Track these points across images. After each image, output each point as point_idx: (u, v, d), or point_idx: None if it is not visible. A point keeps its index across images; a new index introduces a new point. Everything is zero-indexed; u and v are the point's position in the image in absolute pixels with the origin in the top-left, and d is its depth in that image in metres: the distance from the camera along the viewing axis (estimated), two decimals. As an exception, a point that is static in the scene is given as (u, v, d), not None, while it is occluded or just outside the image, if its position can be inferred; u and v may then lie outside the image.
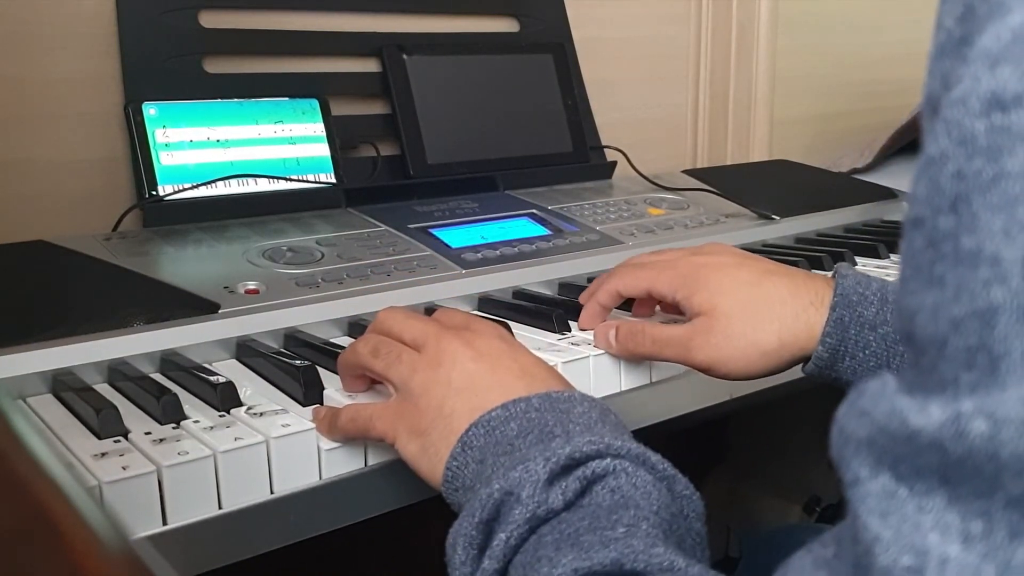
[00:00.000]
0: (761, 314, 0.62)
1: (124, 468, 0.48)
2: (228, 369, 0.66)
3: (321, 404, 0.59)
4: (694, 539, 0.46)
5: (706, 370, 0.63)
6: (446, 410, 0.51)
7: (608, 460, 0.44)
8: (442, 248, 0.85)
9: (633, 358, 0.68)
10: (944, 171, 0.26)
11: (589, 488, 0.44)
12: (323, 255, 0.80)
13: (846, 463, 0.27)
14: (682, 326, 0.64)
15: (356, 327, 0.73)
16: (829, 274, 0.67)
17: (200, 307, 0.68)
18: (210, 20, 0.94)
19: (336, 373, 0.63)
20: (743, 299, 0.62)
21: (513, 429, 0.48)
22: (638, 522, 0.41)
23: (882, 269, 0.92)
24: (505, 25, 1.15)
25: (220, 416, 0.56)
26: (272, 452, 0.52)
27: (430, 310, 0.77)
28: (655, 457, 0.46)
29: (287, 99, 0.94)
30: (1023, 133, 0.25)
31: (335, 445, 0.55)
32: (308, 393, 0.59)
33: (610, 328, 0.68)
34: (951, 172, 0.26)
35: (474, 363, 0.53)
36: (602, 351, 0.67)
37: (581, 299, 0.73)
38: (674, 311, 0.70)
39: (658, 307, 0.73)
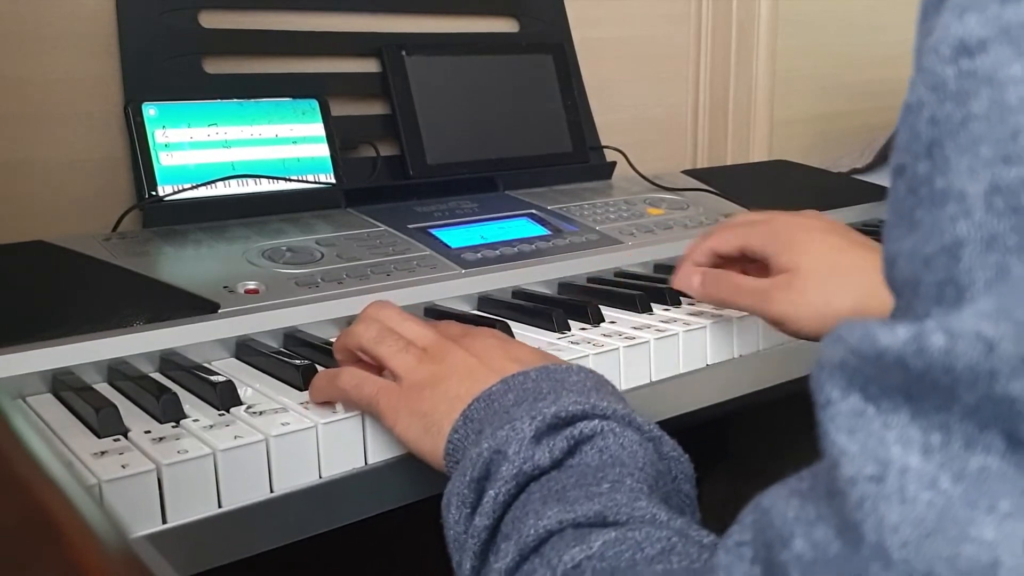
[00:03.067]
0: (841, 280, 0.64)
1: (124, 467, 0.48)
2: (228, 368, 0.66)
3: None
4: (682, 500, 0.47)
5: (779, 323, 0.66)
6: (450, 394, 0.53)
7: (596, 421, 0.46)
8: (442, 248, 0.85)
9: (713, 302, 0.72)
10: (920, 118, 0.28)
11: (577, 448, 0.45)
12: (323, 255, 0.80)
13: (820, 386, 0.28)
14: (764, 279, 0.68)
15: (356, 327, 0.74)
16: None
17: (200, 307, 0.68)
18: (210, 20, 0.94)
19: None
20: (828, 262, 0.65)
21: (510, 399, 0.50)
22: (623, 478, 0.42)
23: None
24: (505, 25, 1.15)
25: (220, 415, 0.56)
26: (272, 451, 0.52)
27: (430, 310, 0.77)
28: (641, 419, 0.47)
29: (287, 99, 0.94)
30: (987, 76, 0.26)
31: (333, 425, 0.55)
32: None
33: (695, 273, 0.71)
34: (926, 118, 0.28)
35: (474, 358, 0.55)
36: (600, 350, 0.67)
37: (678, 264, 0.75)
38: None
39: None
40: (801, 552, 0.27)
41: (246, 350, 0.68)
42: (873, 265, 0.65)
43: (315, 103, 0.96)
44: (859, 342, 0.27)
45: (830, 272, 0.65)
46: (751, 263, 0.72)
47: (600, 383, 0.52)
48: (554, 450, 0.44)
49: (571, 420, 0.46)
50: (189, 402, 0.58)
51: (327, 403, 0.57)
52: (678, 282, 0.73)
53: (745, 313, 0.73)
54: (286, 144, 0.93)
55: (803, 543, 0.27)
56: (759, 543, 0.29)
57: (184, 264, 0.77)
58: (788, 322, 0.65)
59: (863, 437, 0.26)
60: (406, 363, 0.55)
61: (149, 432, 0.53)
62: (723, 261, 0.74)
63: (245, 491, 0.52)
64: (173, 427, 0.54)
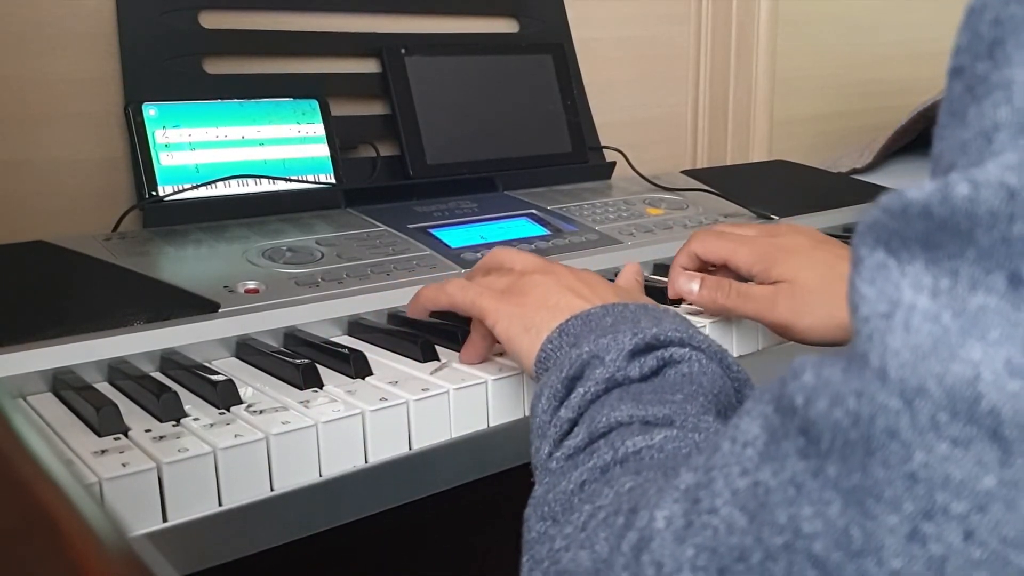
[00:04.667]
0: (839, 291, 0.66)
1: (124, 465, 0.49)
2: (228, 368, 0.66)
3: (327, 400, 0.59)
4: None
5: (784, 328, 0.68)
6: (550, 302, 0.57)
7: (687, 349, 0.49)
8: (441, 248, 0.85)
9: (713, 308, 0.72)
10: (983, 19, 0.29)
11: (664, 368, 0.49)
12: (323, 255, 0.80)
13: (855, 250, 0.30)
14: (766, 286, 0.69)
15: (356, 326, 0.74)
16: None
17: (200, 306, 0.68)
18: (210, 20, 0.94)
19: (336, 372, 0.63)
20: (821, 276, 0.68)
21: (608, 321, 0.53)
22: (696, 395, 0.46)
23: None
24: (505, 25, 1.15)
25: (220, 414, 0.56)
26: (272, 449, 0.53)
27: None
28: (732, 359, 0.51)
29: (287, 99, 0.94)
30: None
31: (333, 424, 0.55)
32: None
33: (694, 279, 0.73)
34: (990, 19, 0.29)
35: (577, 280, 0.59)
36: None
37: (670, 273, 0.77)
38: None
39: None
40: (807, 381, 0.30)
41: (246, 349, 0.68)
42: None
43: (315, 103, 0.96)
44: (890, 201, 0.29)
45: (826, 285, 0.67)
46: (727, 271, 0.74)
47: (692, 326, 0.54)
48: (644, 366, 0.48)
49: (667, 344, 0.49)
50: (189, 401, 0.58)
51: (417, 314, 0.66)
52: (676, 289, 0.74)
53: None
54: (286, 144, 0.93)
55: (811, 375, 0.30)
56: (777, 384, 0.32)
57: (184, 264, 0.77)
58: (794, 327, 0.67)
59: (881, 284, 0.29)
60: (509, 279, 0.61)
61: (149, 431, 0.53)
62: (703, 266, 0.76)
63: (245, 490, 0.52)
64: (173, 426, 0.54)
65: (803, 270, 0.68)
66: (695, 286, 0.72)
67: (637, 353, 0.49)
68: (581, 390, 0.47)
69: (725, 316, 0.74)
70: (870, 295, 0.29)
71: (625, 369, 0.48)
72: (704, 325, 0.73)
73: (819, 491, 0.29)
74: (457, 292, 0.61)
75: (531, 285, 0.59)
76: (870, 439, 0.28)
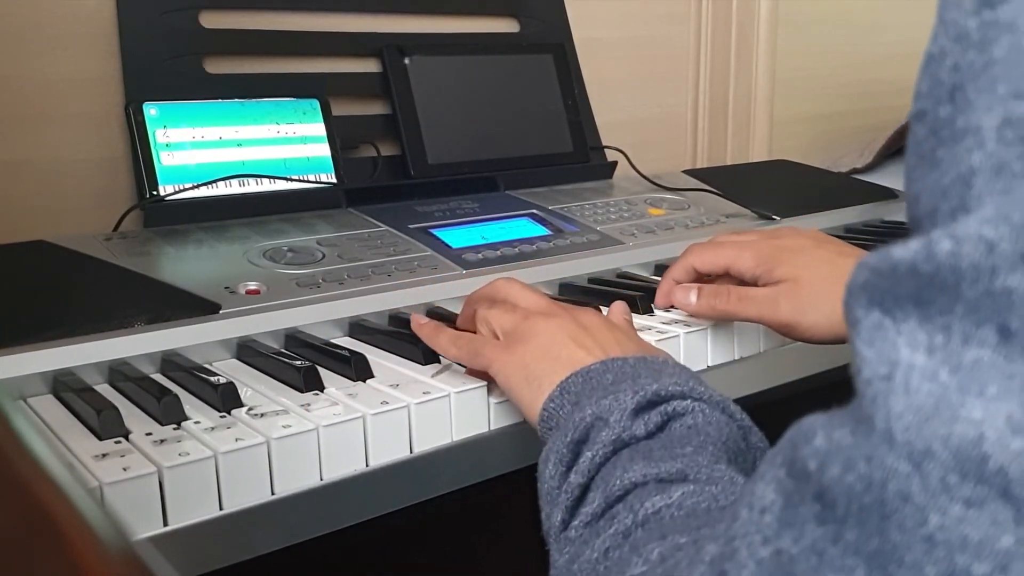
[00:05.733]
0: (840, 288, 0.65)
1: (125, 469, 0.48)
2: (229, 369, 0.66)
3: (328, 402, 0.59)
4: None
5: (788, 328, 0.68)
6: (552, 353, 0.56)
7: (689, 401, 0.49)
8: (443, 248, 0.85)
9: (715, 315, 0.72)
10: (943, 66, 0.30)
11: (669, 423, 0.49)
12: (324, 255, 0.80)
13: (849, 309, 0.31)
14: (767, 288, 0.69)
15: (357, 327, 0.73)
16: None
17: (201, 307, 0.68)
18: (210, 20, 0.94)
19: (337, 374, 0.63)
20: (823, 274, 0.68)
21: (608, 378, 0.53)
22: (705, 445, 0.46)
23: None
24: (505, 25, 1.15)
25: (221, 417, 0.56)
26: (273, 453, 0.52)
27: (431, 312, 0.77)
28: (735, 407, 0.50)
29: (288, 99, 0.94)
30: (1008, 24, 0.28)
31: (334, 427, 0.55)
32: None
33: (691, 289, 0.72)
34: (949, 66, 0.30)
35: (579, 328, 0.58)
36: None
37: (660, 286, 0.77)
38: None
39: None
40: (819, 446, 0.30)
41: (247, 351, 0.68)
42: None
43: (316, 103, 0.96)
44: (878, 261, 0.30)
45: (829, 283, 0.67)
46: (728, 279, 0.74)
47: (694, 376, 0.54)
48: (649, 423, 0.48)
49: (668, 398, 0.49)
50: (190, 404, 0.58)
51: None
52: (673, 300, 0.74)
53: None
54: (287, 144, 0.93)
55: (822, 439, 0.30)
56: (788, 447, 0.32)
57: (185, 264, 0.77)
58: (798, 326, 0.67)
59: (879, 345, 0.29)
60: (513, 319, 0.60)
61: (150, 434, 0.53)
62: (700, 278, 0.75)
63: (246, 493, 0.52)
64: (174, 429, 0.54)
65: (806, 268, 0.68)
66: (693, 297, 0.72)
67: (640, 411, 0.49)
68: (589, 454, 0.47)
69: (726, 321, 0.73)
70: (870, 357, 0.29)
71: (631, 428, 0.48)
72: (706, 327, 0.73)
73: (841, 558, 0.29)
74: (462, 343, 0.61)
75: (533, 332, 0.58)
76: (884, 503, 0.28)
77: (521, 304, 0.63)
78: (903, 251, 0.29)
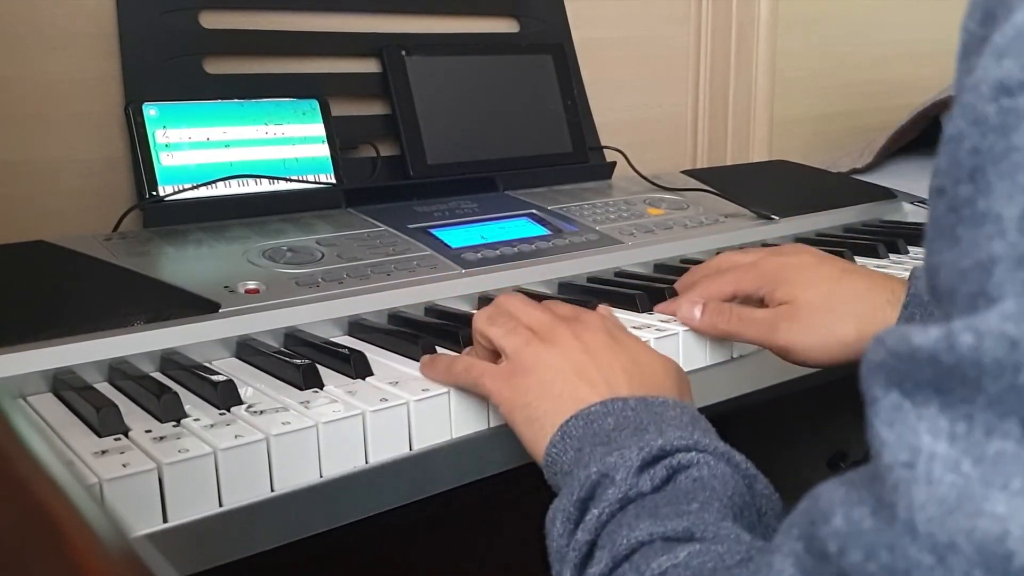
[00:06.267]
0: (841, 308, 0.67)
1: (124, 466, 0.49)
2: (228, 368, 0.66)
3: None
4: (767, 533, 0.49)
5: (785, 352, 0.68)
6: (554, 391, 0.56)
7: (693, 454, 0.49)
8: (442, 248, 0.85)
9: (715, 334, 0.72)
10: (962, 147, 0.30)
11: (674, 476, 0.49)
12: (323, 255, 0.80)
13: (867, 386, 0.31)
14: (767, 310, 0.70)
15: (356, 327, 0.74)
16: (906, 275, 0.71)
17: (200, 306, 0.68)
18: (210, 20, 0.94)
19: (336, 372, 0.63)
20: (824, 293, 0.68)
21: (610, 423, 0.53)
22: (711, 501, 0.46)
23: (882, 269, 0.92)
24: (505, 25, 1.15)
25: (220, 414, 0.56)
26: (272, 450, 0.53)
27: (431, 310, 0.77)
28: (740, 457, 0.50)
29: (287, 99, 0.94)
30: None
31: (333, 425, 0.55)
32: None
33: (696, 304, 0.72)
34: (968, 148, 0.30)
35: (583, 354, 0.57)
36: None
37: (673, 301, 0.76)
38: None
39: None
40: (839, 527, 0.30)
41: (247, 350, 0.68)
42: (866, 288, 0.68)
43: (315, 103, 0.96)
44: (896, 343, 0.30)
45: (830, 301, 0.68)
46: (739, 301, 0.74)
47: (695, 418, 0.54)
48: (655, 478, 0.48)
49: (673, 451, 0.49)
50: (190, 401, 0.58)
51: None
52: (677, 314, 0.73)
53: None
54: (286, 144, 0.93)
55: (841, 520, 0.30)
56: (805, 522, 0.32)
57: (185, 264, 0.77)
58: (794, 350, 0.68)
59: (900, 428, 0.29)
60: (515, 344, 0.59)
61: (150, 431, 0.53)
62: None
63: (246, 490, 0.52)
64: (174, 426, 0.54)
65: (807, 288, 0.69)
66: (697, 312, 0.72)
67: (646, 466, 0.49)
68: (596, 511, 0.47)
69: (728, 341, 0.73)
70: (891, 440, 0.29)
71: (637, 485, 0.48)
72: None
73: None
74: (463, 372, 0.60)
75: (534, 364, 0.57)
76: None
77: (523, 320, 0.61)
78: (923, 338, 0.29)
